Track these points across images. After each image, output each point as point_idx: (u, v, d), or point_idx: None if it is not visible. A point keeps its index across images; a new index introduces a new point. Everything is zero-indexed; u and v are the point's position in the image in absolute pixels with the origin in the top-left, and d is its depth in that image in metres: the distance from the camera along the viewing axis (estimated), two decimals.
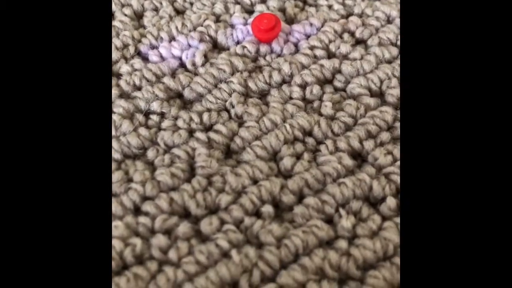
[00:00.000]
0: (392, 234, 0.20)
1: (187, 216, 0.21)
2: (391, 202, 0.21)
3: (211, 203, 0.21)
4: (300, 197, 0.22)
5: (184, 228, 0.20)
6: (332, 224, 0.21)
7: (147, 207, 0.21)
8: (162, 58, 0.26)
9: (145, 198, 0.21)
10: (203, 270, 0.19)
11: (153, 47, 0.27)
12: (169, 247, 0.20)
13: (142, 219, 0.21)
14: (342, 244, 0.20)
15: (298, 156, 0.23)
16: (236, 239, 0.20)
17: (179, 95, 0.25)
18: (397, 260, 0.20)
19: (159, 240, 0.20)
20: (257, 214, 0.21)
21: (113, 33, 0.27)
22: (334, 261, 0.20)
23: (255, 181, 0.22)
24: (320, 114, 0.24)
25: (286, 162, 0.22)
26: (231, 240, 0.20)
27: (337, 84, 0.26)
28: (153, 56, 0.26)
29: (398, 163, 0.22)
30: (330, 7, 0.29)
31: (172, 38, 0.27)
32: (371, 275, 0.19)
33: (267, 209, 0.21)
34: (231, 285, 0.19)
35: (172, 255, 0.20)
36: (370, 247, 0.20)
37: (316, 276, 0.19)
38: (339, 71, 0.26)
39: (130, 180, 0.22)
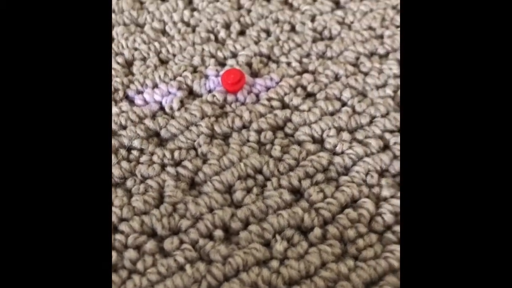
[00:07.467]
0: (314, 258, 0.25)
1: (154, 235, 0.26)
2: (317, 232, 0.26)
3: (174, 226, 0.27)
4: (246, 224, 0.27)
5: (150, 245, 0.26)
6: (268, 247, 0.26)
7: (123, 227, 0.26)
8: (146, 102, 0.32)
9: (121, 220, 0.27)
10: (162, 279, 0.25)
11: (139, 92, 0.32)
12: (138, 259, 0.25)
13: (118, 236, 0.26)
14: (274, 264, 0.25)
15: (249, 190, 0.28)
16: (191, 256, 0.25)
17: (157, 134, 0.31)
18: (317, 279, 0.25)
19: (130, 254, 0.25)
20: (210, 236, 0.26)
21: None
22: (266, 277, 0.25)
23: (211, 210, 0.27)
24: (270, 156, 0.30)
25: (238, 195, 0.28)
26: (187, 257, 0.25)
27: (288, 130, 0.31)
28: (138, 100, 0.32)
29: (329, 199, 0.28)
30: (289, 64, 0.34)
31: (155, 85, 0.33)
32: None
33: (218, 233, 0.26)
34: None
35: (140, 266, 0.25)
36: (296, 267, 0.25)
37: None
38: (290, 120, 0.31)
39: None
